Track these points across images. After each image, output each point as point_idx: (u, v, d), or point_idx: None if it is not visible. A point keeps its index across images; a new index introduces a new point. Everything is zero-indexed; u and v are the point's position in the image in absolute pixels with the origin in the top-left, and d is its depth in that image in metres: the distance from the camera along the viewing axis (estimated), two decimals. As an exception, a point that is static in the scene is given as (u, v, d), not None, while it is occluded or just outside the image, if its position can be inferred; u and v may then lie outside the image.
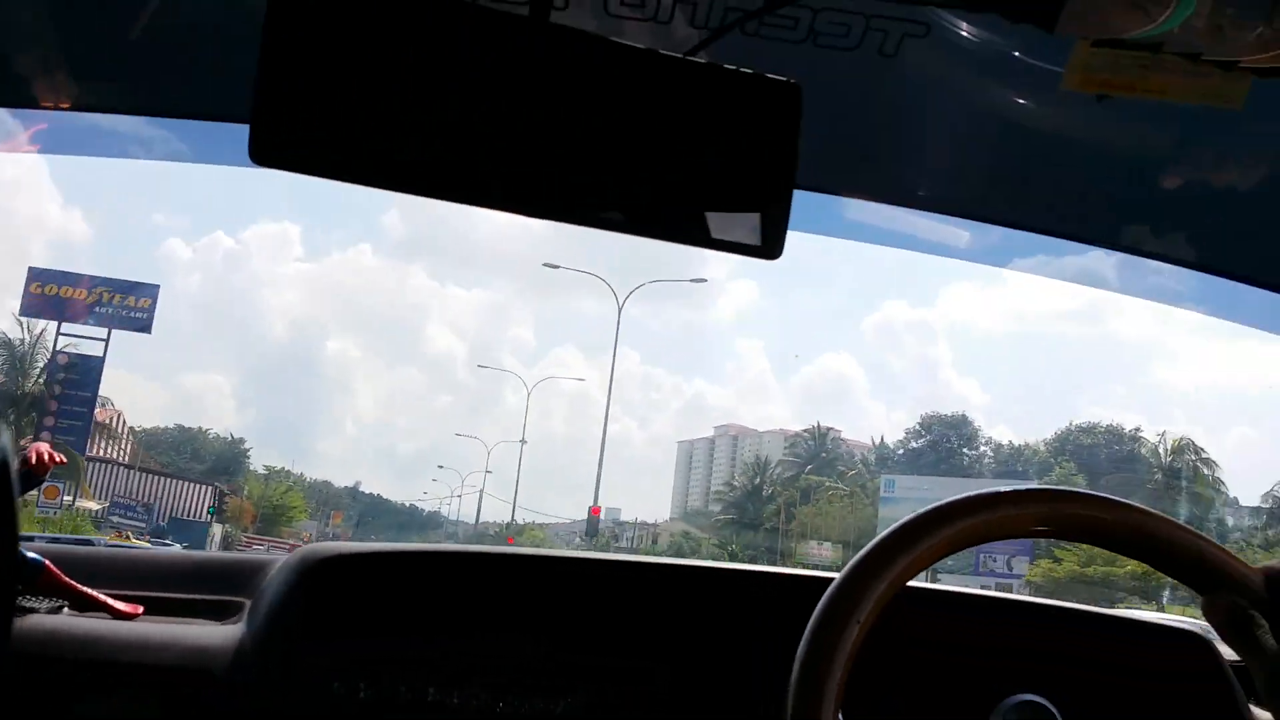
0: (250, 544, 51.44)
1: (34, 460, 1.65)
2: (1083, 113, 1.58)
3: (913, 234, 2.30)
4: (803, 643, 1.11)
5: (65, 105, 1.97)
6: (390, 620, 1.61)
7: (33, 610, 1.57)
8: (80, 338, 50.47)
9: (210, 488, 61.87)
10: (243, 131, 1.13)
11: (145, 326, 51.91)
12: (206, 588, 1.75)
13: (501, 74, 1.21)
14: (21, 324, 53.39)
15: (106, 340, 50.56)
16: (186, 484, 61.98)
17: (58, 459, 1.71)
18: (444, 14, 1.23)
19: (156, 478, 60.82)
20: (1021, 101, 1.73)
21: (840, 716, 1.10)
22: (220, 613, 1.70)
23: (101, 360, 50.57)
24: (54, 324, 51.22)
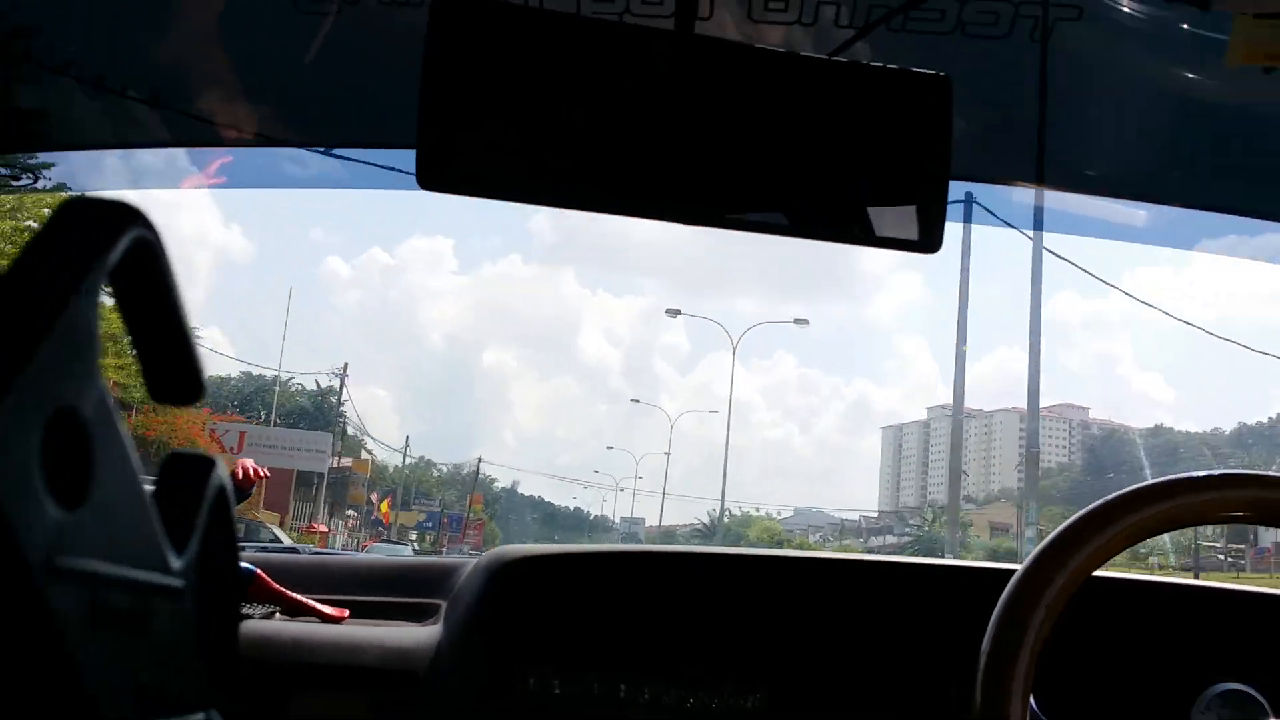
0: None
1: (240, 476, 1.75)
2: (1252, 85, 1.52)
3: (1084, 217, 2.24)
4: (988, 632, 1.11)
5: (239, 142, 2.10)
6: (579, 619, 1.67)
7: (247, 616, 1.69)
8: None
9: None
10: (403, 156, 1.19)
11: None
12: (404, 591, 1.84)
13: (652, 87, 1.25)
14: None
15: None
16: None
17: (263, 473, 1.81)
18: (593, 34, 1.28)
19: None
20: (1186, 76, 1.68)
21: (1031, 702, 1.10)
22: (418, 615, 1.79)
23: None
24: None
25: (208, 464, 0.69)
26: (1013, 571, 1.15)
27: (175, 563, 0.63)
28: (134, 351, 0.61)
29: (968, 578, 1.71)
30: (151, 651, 0.61)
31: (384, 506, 49.41)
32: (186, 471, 0.68)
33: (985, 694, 1.09)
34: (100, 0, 1.83)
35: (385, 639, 1.68)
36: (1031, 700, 1.11)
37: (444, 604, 1.77)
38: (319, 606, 1.73)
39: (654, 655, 1.63)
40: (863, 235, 1.32)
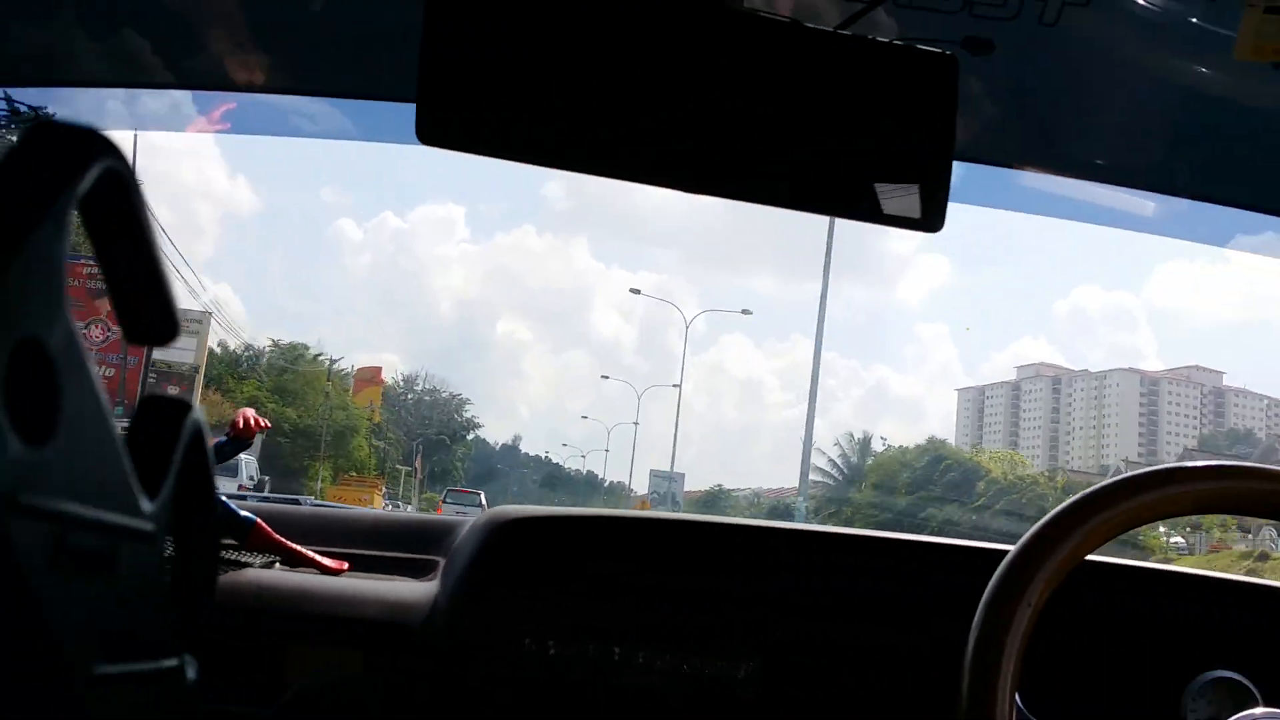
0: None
1: (240, 425, 1.75)
2: (1259, 77, 1.52)
3: (1090, 205, 2.24)
4: (975, 622, 1.12)
5: (244, 87, 2.08)
6: (577, 581, 1.67)
7: (248, 565, 1.70)
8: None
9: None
10: (409, 111, 1.19)
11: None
12: (405, 546, 1.85)
13: (656, 51, 1.25)
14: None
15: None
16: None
17: (263, 424, 1.81)
18: None
19: None
20: (1195, 69, 1.67)
21: (1016, 698, 1.11)
22: (417, 570, 1.80)
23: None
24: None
25: (183, 407, 0.67)
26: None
27: (146, 506, 0.61)
28: (107, 289, 0.58)
29: (968, 555, 1.71)
30: (119, 595, 0.60)
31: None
32: (161, 415, 0.66)
33: (970, 693, 1.10)
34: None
35: (383, 592, 1.69)
36: (1018, 698, 1.12)
37: (443, 561, 1.78)
38: (319, 558, 1.75)
39: (649, 620, 1.64)
40: (865, 211, 1.32)
